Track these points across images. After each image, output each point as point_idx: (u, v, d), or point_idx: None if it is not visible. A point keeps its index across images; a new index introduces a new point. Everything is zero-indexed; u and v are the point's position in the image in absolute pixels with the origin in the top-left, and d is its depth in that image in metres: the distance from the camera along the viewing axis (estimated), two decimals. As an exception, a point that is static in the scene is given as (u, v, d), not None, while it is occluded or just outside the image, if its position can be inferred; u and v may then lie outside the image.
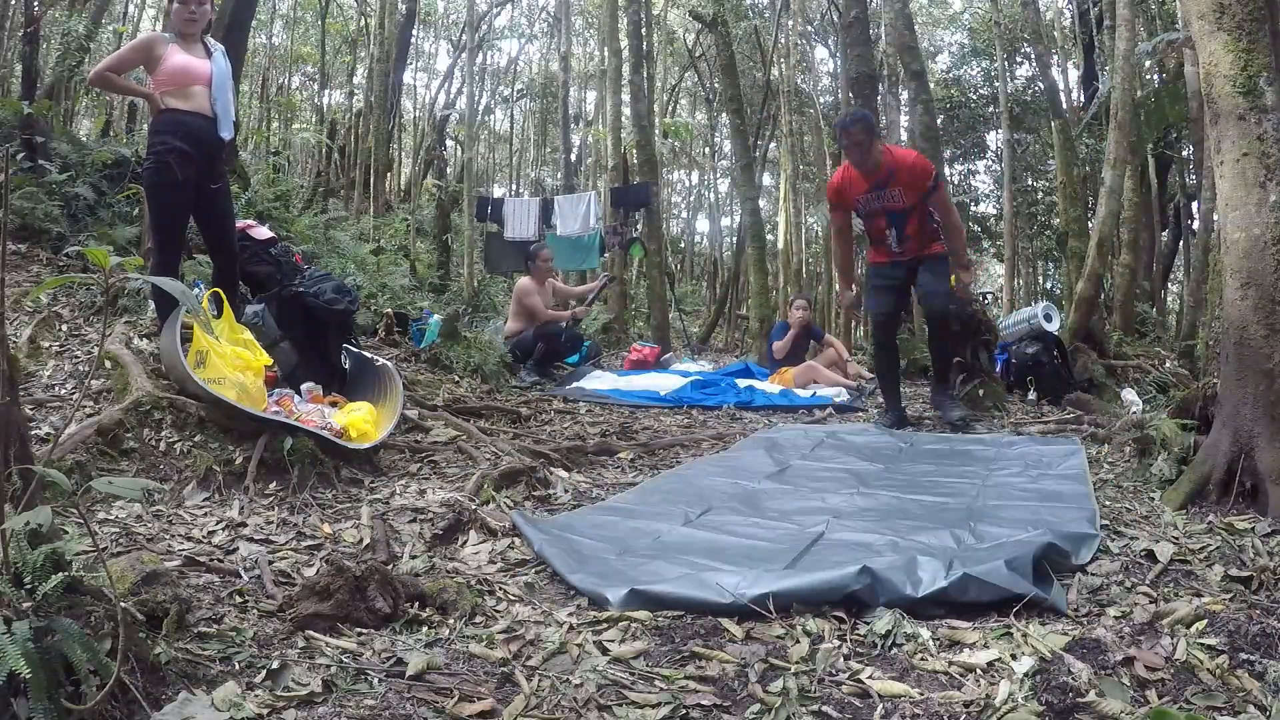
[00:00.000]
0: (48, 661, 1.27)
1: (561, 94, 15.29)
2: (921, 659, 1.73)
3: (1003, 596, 1.95)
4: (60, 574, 1.38)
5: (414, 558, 2.36)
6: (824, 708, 1.54)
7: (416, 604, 1.93)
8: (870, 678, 1.64)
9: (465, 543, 2.50)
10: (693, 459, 4.01)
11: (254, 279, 4.65)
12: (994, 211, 19.26)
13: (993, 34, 14.54)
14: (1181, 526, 2.63)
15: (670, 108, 22.21)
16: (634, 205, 10.64)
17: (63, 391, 3.52)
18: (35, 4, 7.28)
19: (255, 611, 1.90)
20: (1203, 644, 1.72)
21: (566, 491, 3.25)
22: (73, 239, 5.41)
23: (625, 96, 11.91)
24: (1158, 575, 2.22)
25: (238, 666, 1.61)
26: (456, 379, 5.51)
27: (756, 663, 1.71)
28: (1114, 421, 4.61)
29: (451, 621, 1.90)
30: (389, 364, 4.18)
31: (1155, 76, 11.89)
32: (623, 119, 12.21)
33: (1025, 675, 1.61)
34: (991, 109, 17.22)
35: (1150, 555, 2.36)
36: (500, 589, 2.14)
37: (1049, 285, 19.37)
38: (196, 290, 4.00)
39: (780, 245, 14.82)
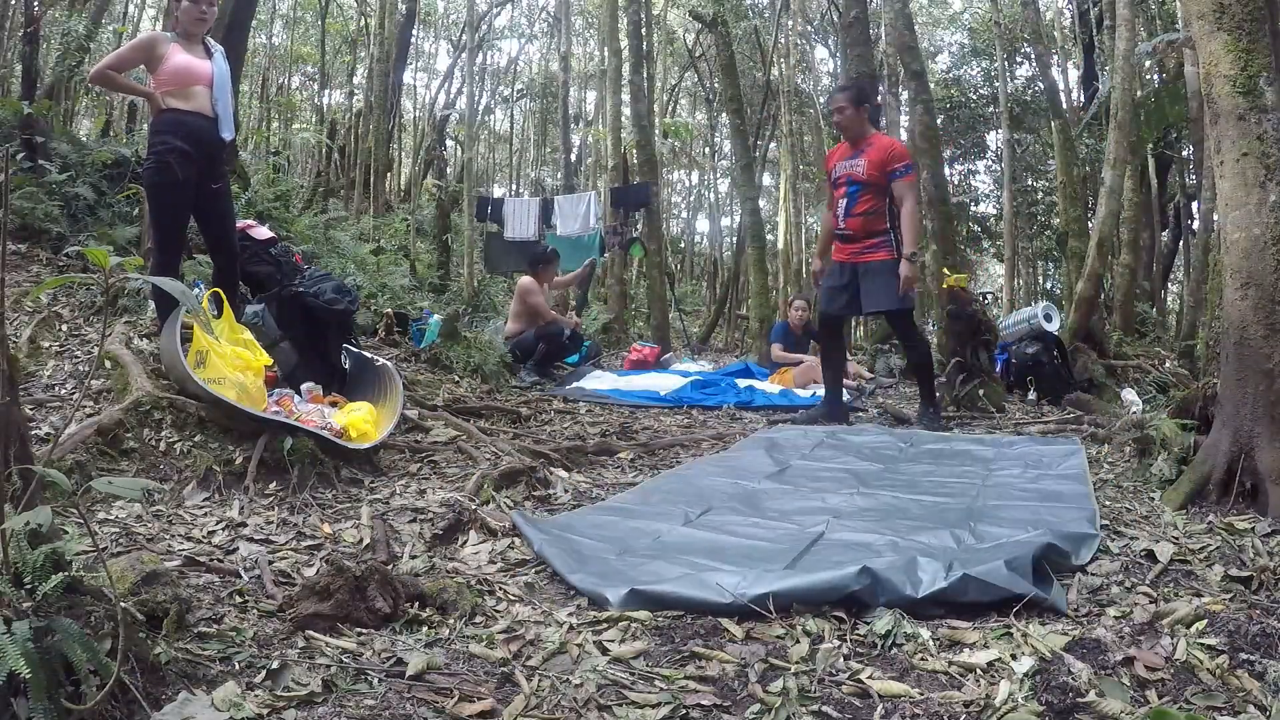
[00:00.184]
0: (48, 661, 1.27)
1: (561, 94, 15.31)
2: (921, 659, 1.73)
3: (1003, 596, 1.95)
4: (60, 574, 1.38)
5: (414, 558, 2.36)
6: (824, 708, 1.54)
7: (416, 604, 1.93)
8: (870, 678, 1.64)
9: (465, 543, 2.50)
10: (693, 459, 4.01)
11: (254, 279, 4.65)
12: (994, 211, 19.29)
13: (993, 34, 14.54)
14: (1181, 526, 2.63)
15: (670, 108, 22.22)
16: (634, 205, 10.65)
17: (63, 391, 3.52)
18: (35, 4, 7.27)
19: (255, 611, 1.90)
20: (1203, 644, 1.72)
21: (566, 491, 3.25)
22: (73, 239, 5.40)
23: (625, 96, 11.91)
24: (1158, 575, 2.21)
25: (238, 666, 1.61)
26: (456, 379, 5.51)
27: (756, 663, 1.71)
28: (1114, 421, 4.61)
29: (451, 621, 1.90)
30: (389, 364, 4.18)
31: (1155, 76, 11.90)
32: (623, 119, 12.21)
33: (1025, 675, 1.61)
34: (991, 109, 17.24)
35: (1150, 555, 2.36)
36: (500, 589, 2.14)
37: (1049, 285, 19.39)
38: (196, 290, 4.00)
39: (780, 245, 14.83)
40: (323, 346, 4.19)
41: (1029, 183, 17.82)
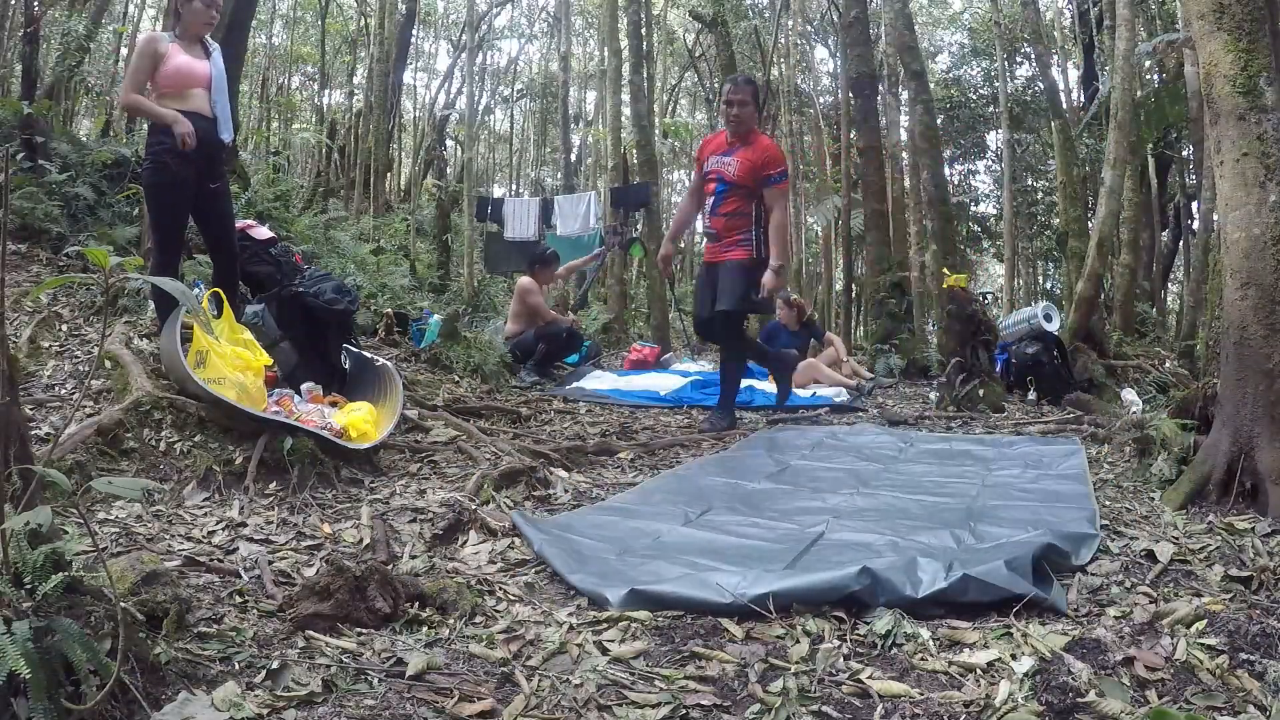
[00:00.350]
0: (48, 661, 1.27)
1: (561, 94, 15.31)
2: (921, 659, 1.73)
3: (1003, 596, 1.95)
4: (60, 574, 1.38)
5: (414, 558, 2.36)
6: (824, 708, 1.54)
7: (416, 604, 1.93)
8: (870, 678, 1.64)
9: (465, 543, 2.50)
10: (693, 459, 4.01)
11: (254, 279, 4.64)
12: (994, 211, 19.30)
13: (993, 34, 14.54)
14: (1181, 526, 2.63)
15: (670, 108, 22.23)
16: (634, 205, 10.65)
17: (63, 391, 3.52)
18: (35, 4, 7.28)
19: (255, 611, 1.90)
20: (1203, 644, 1.72)
21: (566, 491, 3.24)
22: (73, 239, 5.40)
23: (625, 96, 11.91)
24: (1158, 575, 2.21)
25: (238, 666, 1.61)
26: (456, 379, 5.51)
27: (756, 663, 1.71)
28: (1114, 421, 4.61)
29: (451, 621, 1.90)
30: (389, 364, 4.17)
31: (1155, 76, 11.91)
32: (623, 119, 12.21)
33: (1025, 675, 1.61)
34: (991, 109, 17.25)
35: (1150, 555, 2.36)
36: (500, 589, 2.14)
37: (1049, 285, 19.41)
38: (196, 290, 4.00)
39: (780, 245, 14.76)
40: (323, 346, 4.19)
41: (1029, 183, 17.84)
